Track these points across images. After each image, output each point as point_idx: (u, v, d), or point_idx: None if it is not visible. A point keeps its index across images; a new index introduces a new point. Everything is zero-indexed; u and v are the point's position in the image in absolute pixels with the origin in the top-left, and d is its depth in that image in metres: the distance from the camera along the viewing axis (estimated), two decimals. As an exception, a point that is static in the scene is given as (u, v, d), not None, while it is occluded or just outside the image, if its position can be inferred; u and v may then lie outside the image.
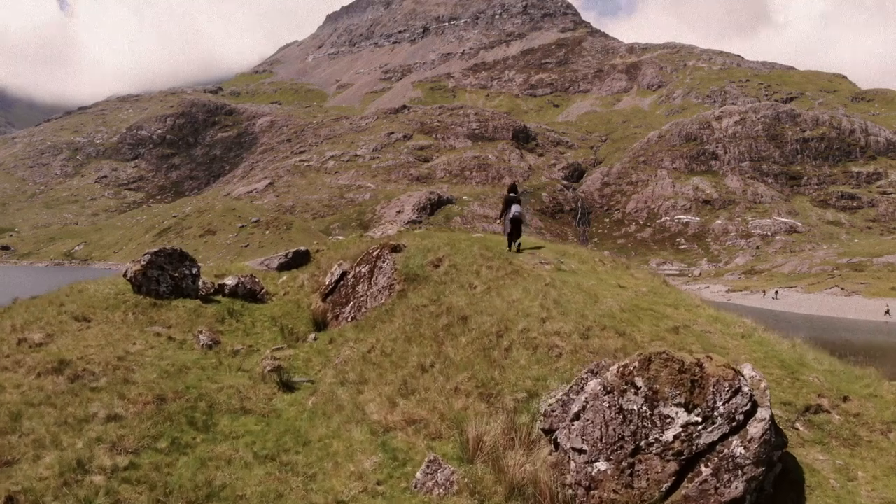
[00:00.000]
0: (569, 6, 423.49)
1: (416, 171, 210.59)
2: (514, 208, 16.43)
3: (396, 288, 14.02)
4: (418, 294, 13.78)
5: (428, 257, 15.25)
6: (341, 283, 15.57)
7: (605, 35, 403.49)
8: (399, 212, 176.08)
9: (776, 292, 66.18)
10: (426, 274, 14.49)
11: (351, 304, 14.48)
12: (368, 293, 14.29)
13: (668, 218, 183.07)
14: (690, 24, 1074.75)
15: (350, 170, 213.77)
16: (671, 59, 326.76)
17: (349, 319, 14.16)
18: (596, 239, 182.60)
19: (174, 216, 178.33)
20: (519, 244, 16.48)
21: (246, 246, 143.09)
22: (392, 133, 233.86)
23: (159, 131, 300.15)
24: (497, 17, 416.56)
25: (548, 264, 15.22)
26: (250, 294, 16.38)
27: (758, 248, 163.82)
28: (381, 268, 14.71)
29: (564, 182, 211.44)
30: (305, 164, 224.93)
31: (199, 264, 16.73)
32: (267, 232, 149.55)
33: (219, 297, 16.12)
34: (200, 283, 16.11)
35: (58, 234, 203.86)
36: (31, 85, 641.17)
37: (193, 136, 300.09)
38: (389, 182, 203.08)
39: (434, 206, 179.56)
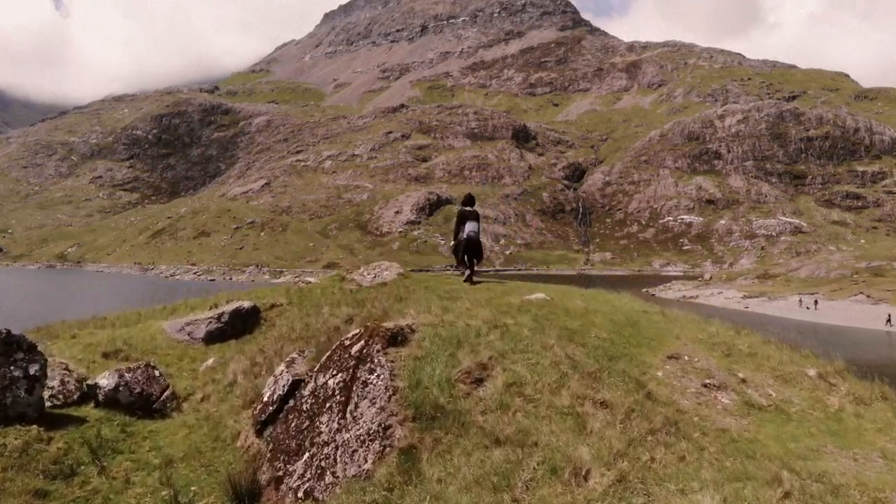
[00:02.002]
0: (568, 4, 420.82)
1: (414, 170, 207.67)
2: (470, 226, 12.72)
3: (397, 437, 6.63)
4: (446, 467, 6.21)
5: (460, 360, 7.55)
6: (291, 402, 7.97)
7: (604, 33, 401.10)
8: (398, 212, 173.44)
9: (816, 302, 61.63)
10: (458, 407, 6.93)
11: (306, 457, 7.18)
12: (340, 441, 6.93)
13: (670, 218, 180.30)
14: (683, 26, 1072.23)
15: (348, 170, 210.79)
16: (671, 58, 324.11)
17: (300, 496, 6.91)
18: (598, 240, 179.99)
19: (168, 217, 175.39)
20: (471, 275, 12.72)
21: (241, 248, 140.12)
22: (390, 132, 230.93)
23: (155, 131, 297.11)
24: (496, 15, 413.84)
25: (719, 389, 7.95)
26: (142, 402, 9.14)
27: (762, 248, 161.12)
28: (366, 383, 7.24)
29: (565, 182, 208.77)
30: (302, 164, 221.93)
31: (55, 352, 9.74)
32: (262, 234, 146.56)
33: (86, 409, 8.79)
34: (55, 383, 8.90)
35: (51, 236, 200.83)
36: (28, 85, 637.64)
37: (189, 135, 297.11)
38: (388, 182, 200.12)
39: (433, 206, 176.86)
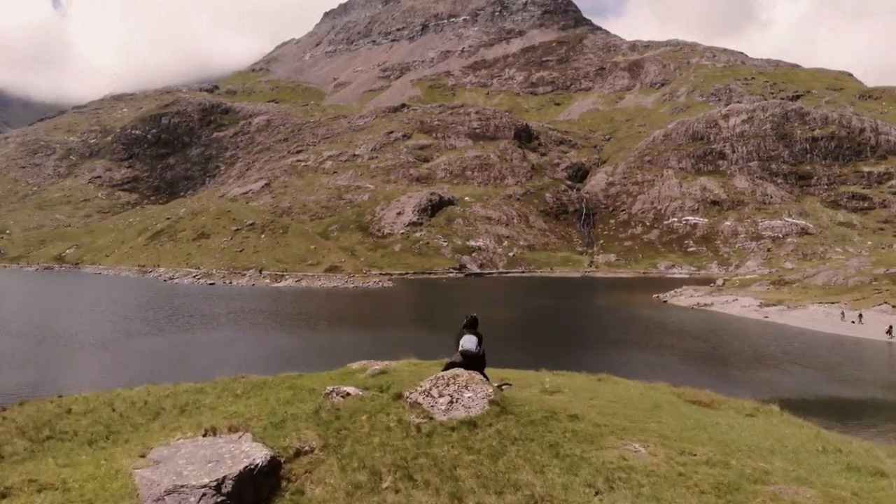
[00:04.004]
0: (569, 3, 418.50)
1: (415, 171, 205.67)
2: (466, 340, 11.09)
3: None
4: None
5: None
6: None
7: (606, 32, 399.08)
8: (399, 213, 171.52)
9: (860, 315, 57.69)
10: None
11: None
12: None
13: (675, 219, 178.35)
14: (677, 25, 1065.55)
15: (348, 170, 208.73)
16: (674, 57, 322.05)
17: None
18: (601, 241, 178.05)
19: (168, 218, 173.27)
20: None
21: (240, 251, 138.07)
22: (391, 132, 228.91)
23: (154, 131, 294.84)
24: (497, 14, 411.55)
25: None
26: None
27: (769, 250, 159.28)
28: None
29: (568, 182, 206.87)
30: (303, 164, 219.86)
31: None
32: (262, 236, 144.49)
33: None
34: None
35: (49, 237, 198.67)
36: (27, 84, 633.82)
37: (189, 135, 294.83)
38: (389, 182, 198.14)
39: (435, 207, 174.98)
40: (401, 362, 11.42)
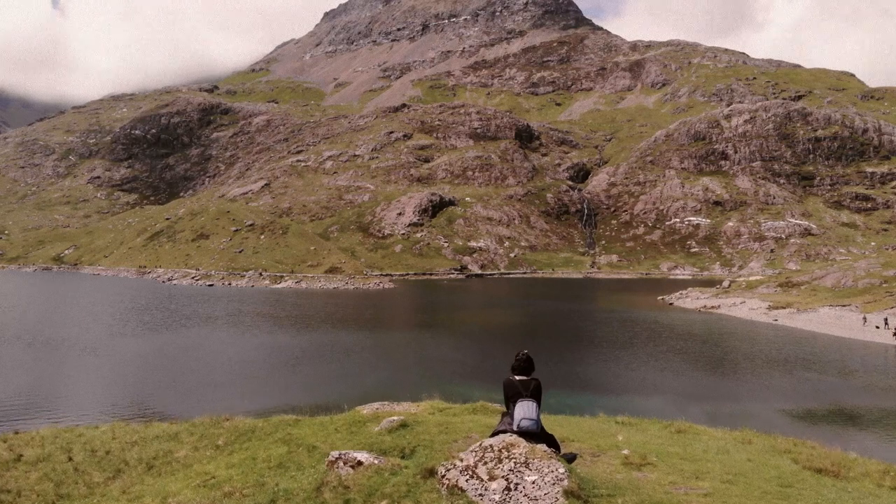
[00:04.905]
0: (570, 3, 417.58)
1: (416, 171, 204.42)
2: (522, 410, 7.57)
3: None
4: None
5: None
6: None
7: (607, 32, 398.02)
8: (400, 214, 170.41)
9: (885, 320, 54.73)
10: None
11: None
12: None
13: (677, 220, 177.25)
14: (672, 25, 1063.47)
15: (349, 170, 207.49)
16: (675, 57, 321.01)
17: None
18: (603, 242, 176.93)
19: (167, 219, 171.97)
20: None
21: (240, 252, 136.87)
22: (391, 132, 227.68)
23: (153, 131, 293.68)
24: (497, 14, 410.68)
25: None
26: None
27: (772, 251, 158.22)
28: None
29: (569, 182, 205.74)
30: (303, 164, 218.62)
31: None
32: (262, 237, 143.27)
33: None
34: None
35: (48, 237, 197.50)
36: (26, 84, 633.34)
37: (188, 135, 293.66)
38: (389, 183, 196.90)
39: (435, 207, 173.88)
40: (423, 407, 8.96)
